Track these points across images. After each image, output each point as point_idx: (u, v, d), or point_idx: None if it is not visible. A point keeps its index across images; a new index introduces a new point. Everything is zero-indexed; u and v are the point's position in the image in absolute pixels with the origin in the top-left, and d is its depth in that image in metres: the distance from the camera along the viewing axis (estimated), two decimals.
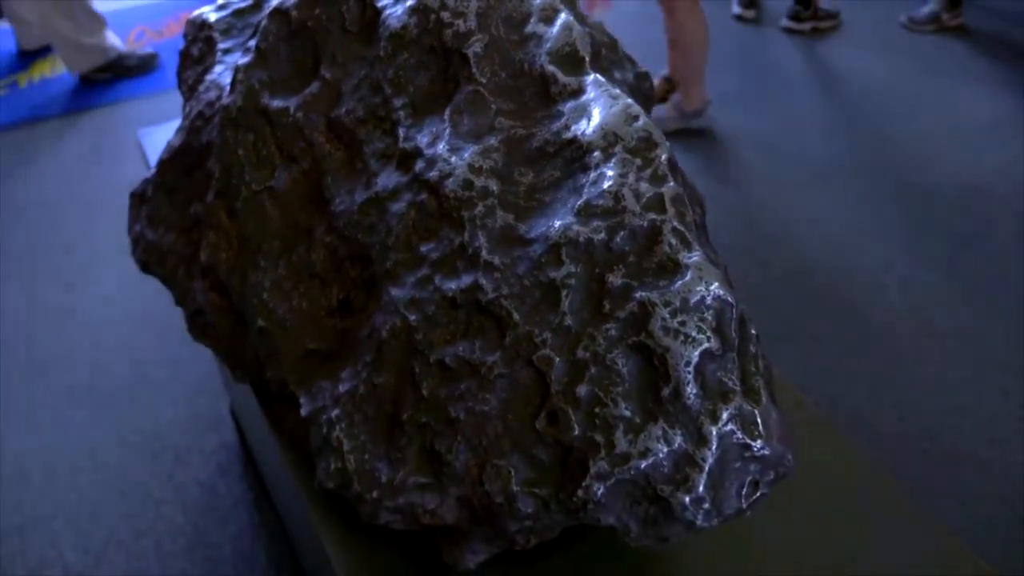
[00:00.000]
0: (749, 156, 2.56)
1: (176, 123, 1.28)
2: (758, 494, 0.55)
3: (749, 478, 0.54)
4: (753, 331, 0.57)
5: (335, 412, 0.64)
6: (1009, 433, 1.69)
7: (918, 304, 2.02)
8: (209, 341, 0.86)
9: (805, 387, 1.82)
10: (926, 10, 3.13)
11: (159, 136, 1.22)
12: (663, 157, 0.59)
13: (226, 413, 1.72)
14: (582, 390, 0.54)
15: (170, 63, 2.96)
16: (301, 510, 0.83)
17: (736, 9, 3.44)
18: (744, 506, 0.54)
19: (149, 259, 0.91)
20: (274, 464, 0.94)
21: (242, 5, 0.97)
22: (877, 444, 1.77)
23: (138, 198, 0.97)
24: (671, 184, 0.58)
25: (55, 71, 2.96)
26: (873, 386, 1.81)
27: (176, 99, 3.11)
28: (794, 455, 0.56)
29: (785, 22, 3.36)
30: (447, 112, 0.66)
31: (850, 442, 0.81)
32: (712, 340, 0.53)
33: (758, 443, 0.53)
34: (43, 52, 3.06)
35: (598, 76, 0.64)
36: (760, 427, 0.53)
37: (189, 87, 0.97)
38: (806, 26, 3.28)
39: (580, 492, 0.53)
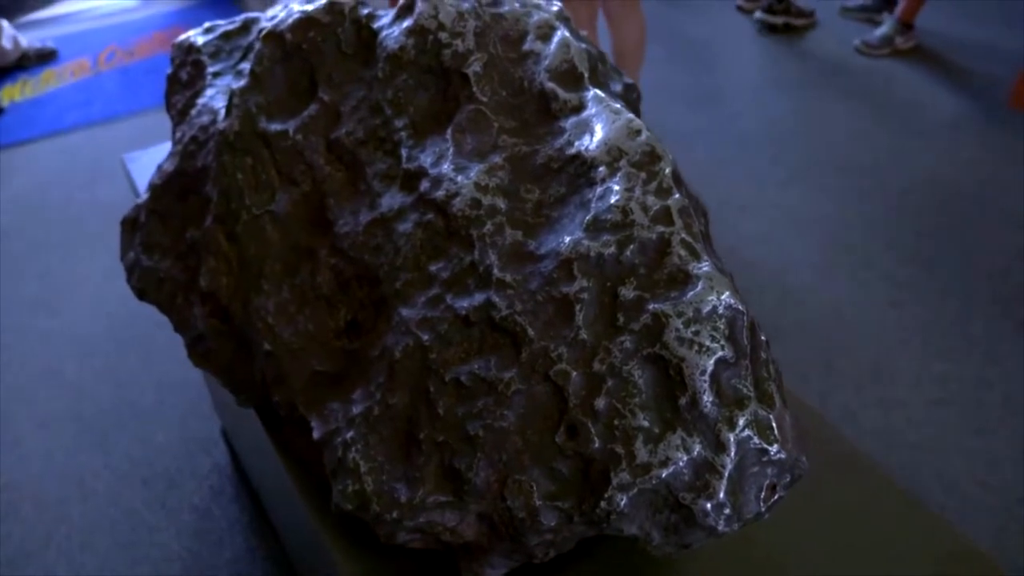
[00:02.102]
0: (725, 156, 2.59)
1: (162, 146, 1.28)
2: (776, 497, 0.56)
3: (767, 482, 0.55)
4: (763, 337, 0.58)
5: (350, 434, 0.64)
6: (994, 423, 1.73)
7: (899, 299, 2.06)
8: (211, 367, 0.85)
9: (793, 385, 1.85)
10: (879, 33, 3.18)
11: (145, 160, 1.21)
12: (667, 170, 0.60)
13: (218, 435, 1.71)
14: (600, 403, 0.55)
15: (142, 83, 2.94)
16: (310, 533, 0.83)
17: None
18: (763, 509, 0.55)
19: (145, 286, 0.90)
20: (280, 488, 0.94)
21: (230, 28, 0.97)
22: (865, 437, 1.80)
23: (130, 224, 0.97)
24: (677, 196, 0.59)
25: (24, 94, 2.92)
26: (859, 381, 1.84)
27: (153, 121, 3.08)
28: (808, 457, 0.57)
29: (759, 14, 3.42)
30: (449, 131, 0.67)
31: (848, 440, 0.83)
32: (726, 348, 0.54)
33: (774, 447, 0.54)
34: (11, 76, 3.03)
35: (598, 92, 0.65)
36: (775, 432, 0.54)
37: (179, 111, 0.96)
38: (779, 20, 3.32)
39: (603, 503, 0.54)
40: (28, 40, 3.16)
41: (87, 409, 1.78)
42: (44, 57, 3.11)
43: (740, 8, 3.52)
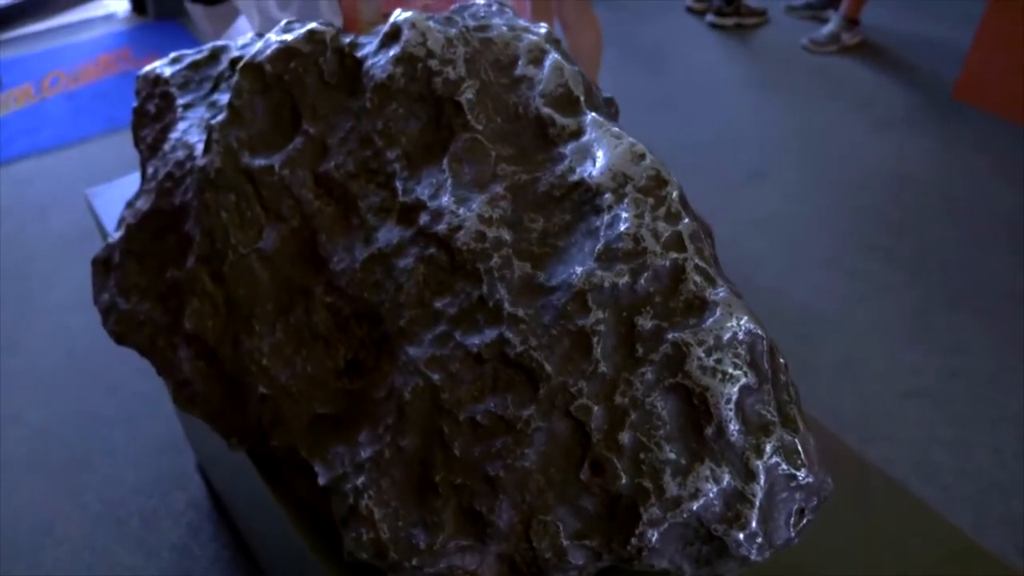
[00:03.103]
0: (684, 161, 2.61)
1: (125, 180, 1.23)
2: (804, 521, 0.55)
3: (796, 506, 0.55)
4: (782, 360, 0.57)
5: (360, 480, 0.62)
6: (965, 412, 1.77)
7: (866, 292, 2.09)
8: (198, 411, 0.82)
9: None
10: (826, 31, 3.23)
11: (110, 195, 1.17)
12: (674, 194, 0.59)
13: (192, 470, 1.66)
14: (624, 437, 0.54)
15: (89, 109, 2.86)
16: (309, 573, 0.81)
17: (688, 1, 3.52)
18: (793, 535, 0.55)
19: (124, 330, 0.87)
20: (277, 534, 0.91)
21: (197, 57, 0.94)
22: (841, 432, 1.83)
23: (102, 264, 0.93)
24: (686, 221, 0.58)
25: None
26: (831, 376, 1.86)
27: (102, 148, 2.99)
28: (832, 477, 0.57)
29: (710, 17, 3.45)
30: (445, 162, 0.65)
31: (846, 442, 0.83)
32: (748, 375, 0.54)
33: (802, 472, 0.54)
34: None
35: (596, 116, 0.64)
36: (802, 455, 0.54)
37: (148, 145, 0.93)
38: (730, 21, 3.37)
39: (634, 540, 0.53)
40: None
41: (53, 451, 1.72)
42: None
43: (690, 9, 3.56)
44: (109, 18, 3.63)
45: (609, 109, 0.87)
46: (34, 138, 2.70)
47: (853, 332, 1.97)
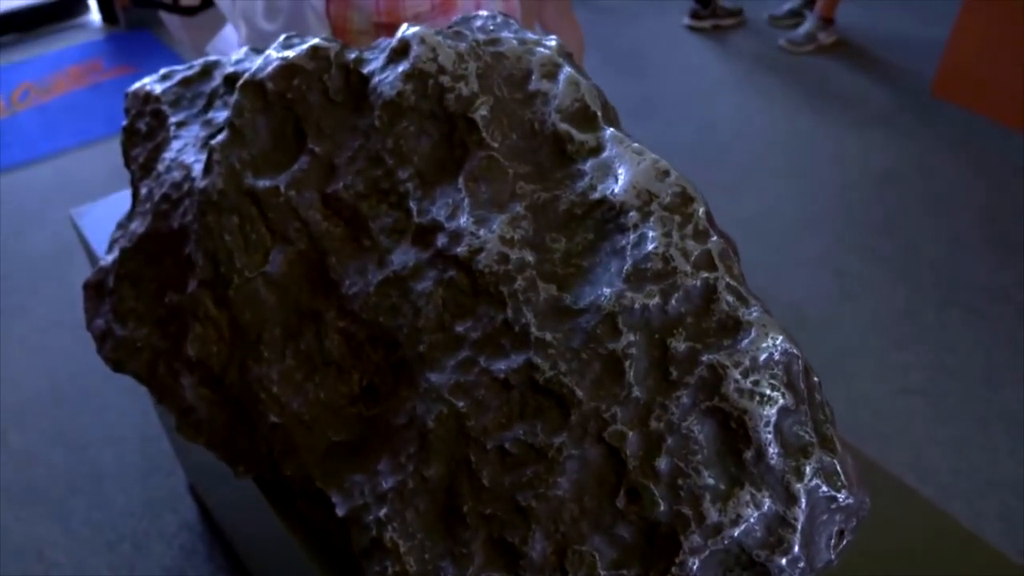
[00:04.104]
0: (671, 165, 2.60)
1: (112, 199, 1.20)
2: (844, 542, 0.54)
3: (836, 528, 0.53)
4: (816, 378, 0.56)
5: (383, 511, 0.60)
6: (958, 409, 1.77)
7: (852, 292, 2.10)
8: (203, 439, 0.80)
9: None
10: (802, 31, 3.25)
11: (97, 214, 1.13)
12: (701, 211, 0.58)
13: (183, 491, 1.62)
14: (661, 463, 0.52)
15: (61, 122, 2.80)
16: None
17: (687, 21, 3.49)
18: (832, 557, 0.54)
19: (122, 357, 0.84)
20: (283, 560, 0.88)
21: (189, 73, 0.91)
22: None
23: (94, 289, 0.90)
24: (715, 239, 0.57)
25: None
26: (823, 376, 1.86)
27: (76, 162, 2.94)
28: (870, 496, 0.56)
29: (687, 20, 3.45)
30: (461, 181, 0.63)
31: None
32: (786, 396, 0.53)
33: (843, 494, 0.53)
34: None
35: (615, 131, 0.63)
36: (842, 477, 0.53)
37: (141, 165, 0.90)
38: (706, 23, 3.37)
39: (675, 569, 0.51)
40: None
41: (38, 475, 1.68)
42: None
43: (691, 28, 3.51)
44: (80, 28, 3.56)
45: (614, 122, 0.85)
46: (5, 153, 2.64)
47: (843, 332, 1.98)
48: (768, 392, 0.52)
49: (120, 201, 1.17)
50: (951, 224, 2.30)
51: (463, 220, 0.61)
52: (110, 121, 2.69)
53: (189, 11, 1.80)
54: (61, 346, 1.97)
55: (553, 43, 0.70)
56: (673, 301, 0.55)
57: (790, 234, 2.30)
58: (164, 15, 1.95)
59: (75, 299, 1.02)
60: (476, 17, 0.76)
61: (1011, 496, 1.59)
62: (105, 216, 1.14)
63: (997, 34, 2.67)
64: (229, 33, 1.55)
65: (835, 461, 0.53)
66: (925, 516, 0.74)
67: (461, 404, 0.58)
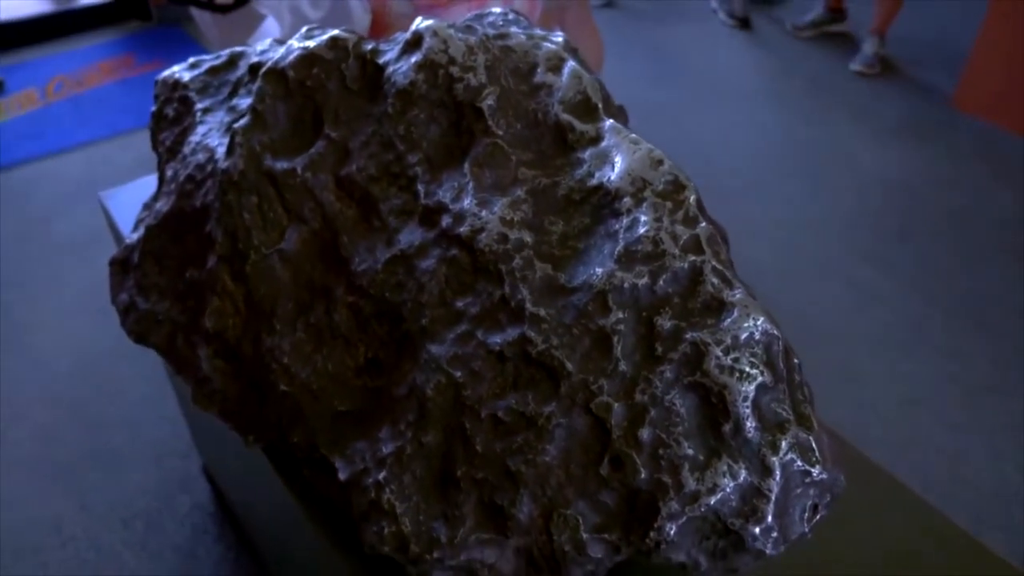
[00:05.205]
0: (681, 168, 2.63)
1: (139, 183, 1.25)
2: (818, 516, 0.57)
3: (810, 502, 0.56)
4: (796, 360, 0.59)
5: (381, 475, 0.63)
6: (964, 419, 1.78)
7: (861, 301, 2.11)
8: (216, 408, 0.84)
9: None
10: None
11: (124, 198, 1.18)
12: (691, 199, 0.61)
13: (197, 472, 1.67)
14: (644, 433, 0.55)
15: (93, 113, 2.87)
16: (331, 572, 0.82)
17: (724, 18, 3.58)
18: (806, 529, 0.56)
19: (144, 329, 0.88)
20: (290, 530, 0.92)
21: (216, 63, 0.96)
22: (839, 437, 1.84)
23: (120, 265, 0.95)
24: (703, 225, 0.60)
25: None
26: (829, 384, 1.88)
27: (107, 152, 3.01)
28: (845, 475, 0.58)
29: (722, 17, 3.49)
30: (466, 166, 0.67)
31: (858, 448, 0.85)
32: (765, 374, 0.55)
33: (816, 468, 0.55)
34: None
35: (614, 123, 0.66)
36: (816, 453, 0.56)
37: (167, 148, 0.94)
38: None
39: (652, 533, 0.54)
40: None
41: (58, 452, 1.73)
42: None
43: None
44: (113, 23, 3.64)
45: (617, 117, 0.89)
46: (39, 142, 2.72)
47: (852, 341, 1.99)
48: (747, 369, 0.55)
49: (147, 185, 1.21)
50: (966, 236, 2.30)
51: (467, 202, 0.65)
52: (139, 114, 2.76)
53: (223, 8, 1.84)
54: (86, 330, 2.03)
55: (559, 39, 0.74)
56: (661, 281, 0.58)
57: (801, 241, 2.32)
58: (195, 12, 2.00)
59: (100, 284, 1.06)
60: (489, 14, 0.80)
61: (1015, 507, 1.60)
62: (132, 199, 1.18)
63: (1021, 47, 2.67)
64: (269, 29, 1.58)
65: (811, 438, 0.56)
66: (929, 522, 0.76)
67: (458, 374, 0.61)
